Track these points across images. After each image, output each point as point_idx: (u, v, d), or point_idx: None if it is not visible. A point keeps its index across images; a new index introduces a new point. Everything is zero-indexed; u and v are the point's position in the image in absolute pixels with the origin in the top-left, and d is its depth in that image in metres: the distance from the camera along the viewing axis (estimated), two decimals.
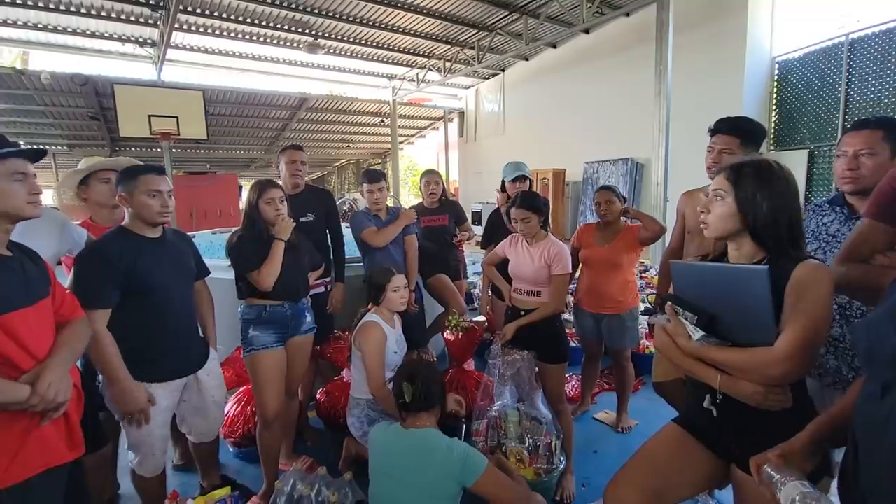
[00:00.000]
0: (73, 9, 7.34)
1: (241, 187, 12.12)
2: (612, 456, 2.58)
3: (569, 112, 10.25)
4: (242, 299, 2.13)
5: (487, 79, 12.59)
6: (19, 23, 7.74)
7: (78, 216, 2.20)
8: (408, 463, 1.62)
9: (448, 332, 2.88)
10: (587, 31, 9.17)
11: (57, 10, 7.30)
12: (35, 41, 8.71)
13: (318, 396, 2.77)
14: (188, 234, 2.28)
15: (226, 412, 2.53)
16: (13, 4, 7.01)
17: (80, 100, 9.97)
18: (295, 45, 9.33)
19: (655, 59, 6.32)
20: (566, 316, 3.43)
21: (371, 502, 1.69)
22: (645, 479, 1.34)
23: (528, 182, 3.06)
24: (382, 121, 14.06)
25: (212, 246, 4.58)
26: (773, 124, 7.42)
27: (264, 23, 8.36)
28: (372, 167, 17.46)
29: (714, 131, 1.95)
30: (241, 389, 2.68)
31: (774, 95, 7.41)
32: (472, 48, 9.92)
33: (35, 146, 11.39)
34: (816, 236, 1.59)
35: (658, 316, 1.38)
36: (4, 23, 7.68)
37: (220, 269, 2.60)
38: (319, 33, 8.98)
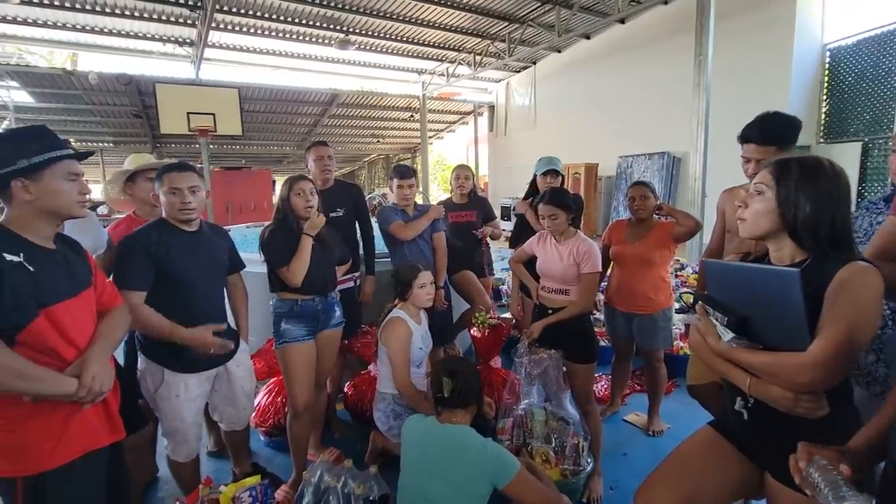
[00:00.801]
0: (118, 11, 7.67)
1: (274, 182, 12.44)
2: (642, 459, 2.51)
3: (602, 105, 9.99)
4: (275, 292, 2.18)
5: (518, 72, 12.41)
6: (68, 25, 8.15)
7: (125, 209, 2.31)
8: (441, 458, 1.63)
9: (475, 328, 2.87)
10: (622, 21, 8.89)
11: (103, 12, 7.65)
12: (83, 43, 9.16)
13: (345, 389, 2.82)
14: (224, 227, 2.35)
15: (257, 402, 2.61)
16: (63, 7, 7.38)
17: (125, 98, 10.43)
18: (326, 41, 9.45)
19: (695, 49, 6.05)
20: (597, 314, 3.35)
21: (401, 492, 1.70)
22: (678, 483, 1.30)
23: (559, 178, 2.99)
24: (412, 116, 14.10)
25: (246, 240, 4.71)
26: (823, 116, 7.00)
27: (297, 20, 8.50)
28: (402, 162, 17.58)
29: (745, 139, 1.83)
30: (272, 380, 2.75)
31: (825, 85, 6.98)
32: (503, 41, 9.79)
33: (83, 144, 12.03)
34: (869, 236, 1.48)
35: (692, 316, 1.33)
36: (55, 26, 8.10)
37: (253, 262, 2.66)
38: (350, 29, 9.06)
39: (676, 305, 3.81)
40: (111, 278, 1.66)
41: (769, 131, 1.77)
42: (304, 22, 8.58)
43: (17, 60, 10.85)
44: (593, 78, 10.18)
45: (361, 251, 2.90)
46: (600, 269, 2.24)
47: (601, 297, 3.12)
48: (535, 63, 11.76)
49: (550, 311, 2.28)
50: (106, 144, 12.96)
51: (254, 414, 2.56)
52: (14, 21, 7.84)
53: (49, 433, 1.21)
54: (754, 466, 1.25)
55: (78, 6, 7.40)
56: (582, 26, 8.96)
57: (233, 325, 2.11)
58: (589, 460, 2.16)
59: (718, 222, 2.16)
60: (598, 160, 9.67)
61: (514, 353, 2.32)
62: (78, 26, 8.20)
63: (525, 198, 3.25)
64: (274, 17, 8.32)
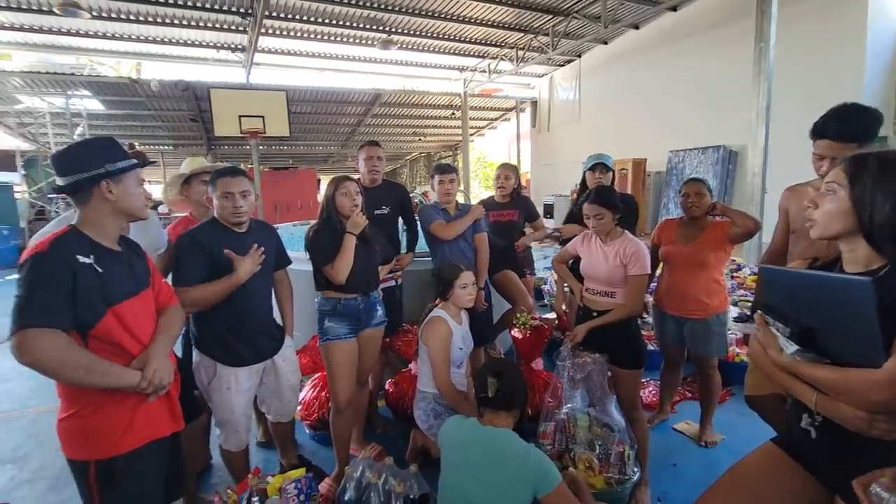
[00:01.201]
0: (177, 21, 8.14)
1: (319, 181, 12.82)
2: (693, 471, 2.38)
3: (652, 97, 9.58)
4: (320, 291, 2.24)
5: (562, 66, 12.12)
6: (133, 37, 8.73)
7: (182, 209, 2.44)
8: (482, 460, 1.61)
9: (516, 329, 2.83)
10: (674, 9, 8.48)
11: (164, 23, 8.14)
12: (146, 53, 9.79)
13: (386, 387, 2.85)
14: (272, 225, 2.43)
15: (302, 396, 2.69)
16: (128, 20, 7.90)
17: (182, 104, 11.07)
18: (369, 42, 9.60)
19: (755, 34, 5.67)
20: (646, 318, 3.21)
21: (441, 493, 1.69)
22: (737, 501, 1.22)
23: (609, 173, 2.84)
24: (453, 113, 14.10)
25: (293, 238, 4.87)
26: None
27: (341, 22, 8.68)
28: (443, 160, 17.63)
29: (818, 134, 1.67)
30: (317, 375, 2.83)
31: None
32: (546, 34, 9.58)
33: (147, 147, 12.87)
34: None
35: (750, 325, 1.24)
36: (122, 37, 8.69)
37: (299, 261, 2.75)
38: (393, 29, 9.16)
39: (733, 310, 3.59)
40: (170, 275, 1.76)
41: (848, 127, 1.60)
42: (347, 24, 8.75)
43: (89, 71, 11.74)
44: (642, 69, 9.78)
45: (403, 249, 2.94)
46: (649, 271, 2.14)
47: (649, 299, 2.98)
48: (579, 56, 11.44)
49: (595, 314, 2.21)
50: (166, 147, 13.82)
51: (299, 407, 2.65)
52: (86, 35, 8.48)
53: (119, 422, 1.30)
54: (823, 488, 1.15)
55: (142, 18, 7.91)
56: (630, 16, 8.62)
57: (278, 320, 2.19)
58: (635, 469, 2.08)
59: (781, 222, 2.01)
60: (646, 155, 9.30)
61: (556, 356, 2.26)
62: (142, 37, 8.77)
63: (577, 195, 3.11)
64: (319, 20, 8.54)
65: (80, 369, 1.18)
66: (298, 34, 9.09)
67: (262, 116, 9.07)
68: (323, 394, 2.71)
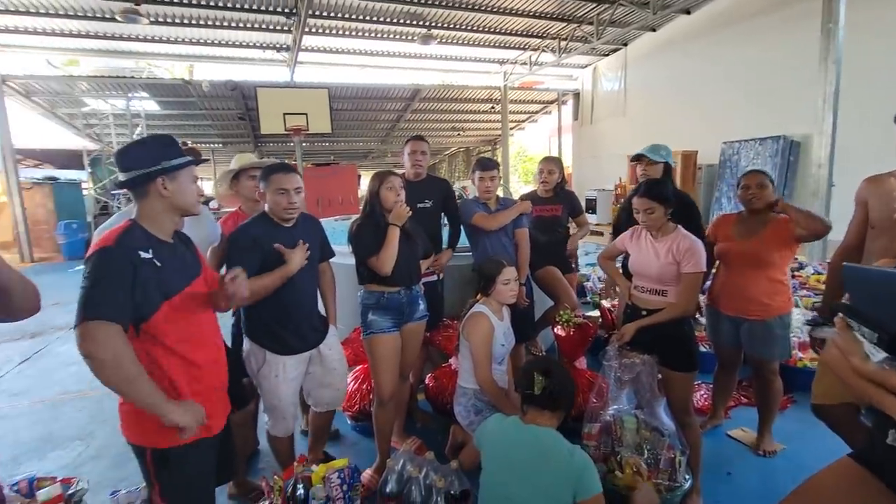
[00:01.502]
0: (226, 24, 8.47)
1: (359, 177, 13.05)
2: (750, 481, 2.24)
3: (704, 86, 9.09)
4: (363, 285, 2.26)
5: (607, 55, 11.71)
6: (187, 40, 9.16)
7: (232, 204, 2.53)
8: (525, 459, 1.59)
9: (559, 327, 2.75)
10: None
11: (215, 26, 8.49)
12: (198, 55, 10.25)
13: (426, 381, 2.85)
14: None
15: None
16: (182, 24, 8.30)
17: (231, 103, 11.54)
18: (409, 37, 9.63)
19: (822, 15, 5.25)
20: (700, 319, 3.03)
21: (482, 491, 1.67)
22: None
23: (658, 164, 2.58)
24: (493, 107, 13.96)
25: (335, 232, 4.95)
26: None
27: (382, 18, 8.75)
28: (482, 155, 17.52)
29: None
30: (358, 368, 2.86)
31: None
32: (591, 23, 9.28)
33: (198, 145, 13.51)
34: None
35: (827, 329, 1.13)
36: (176, 41, 9.14)
37: (342, 254, 2.79)
38: (433, 24, 9.14)
39: (797, 312, 3.35)
40: (224, 268, 1.83)
41: None
42: (388, 20, 8.81)
43: (147, 74, 12.44)
44: (694, 56, 9.28)
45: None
46: (704, 269, 2.02)
47: (701, 298, 2.82)
48: (626, 45, 11.01)
49: (644, 313, 2.11)
50: (216, 145, 14.48)
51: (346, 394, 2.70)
52: (145, 40, 8.98)
53: None
54: None
55: (194, 22, 8.28)
56: (681, 1, 8.20)
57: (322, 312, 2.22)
58: (687, 477, 1.97)
59: (857, 215, 1.84)
60: (697, 147, 8.84)
61: (602, 355, 2.18)
62: (194, 40, 9.19)
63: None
64: (361, 17, 8.64)
65: (125, 378, 1.21)
66: (340, 32, 9.24)
67: (306, 114, 9.33)
68: (364, 386, 2.74)
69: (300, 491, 1.83)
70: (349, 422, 2.80)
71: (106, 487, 2.18)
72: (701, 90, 9.15)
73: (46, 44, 9.04)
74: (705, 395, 2.91)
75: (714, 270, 2.51)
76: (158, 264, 1.31)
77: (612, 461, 2.03)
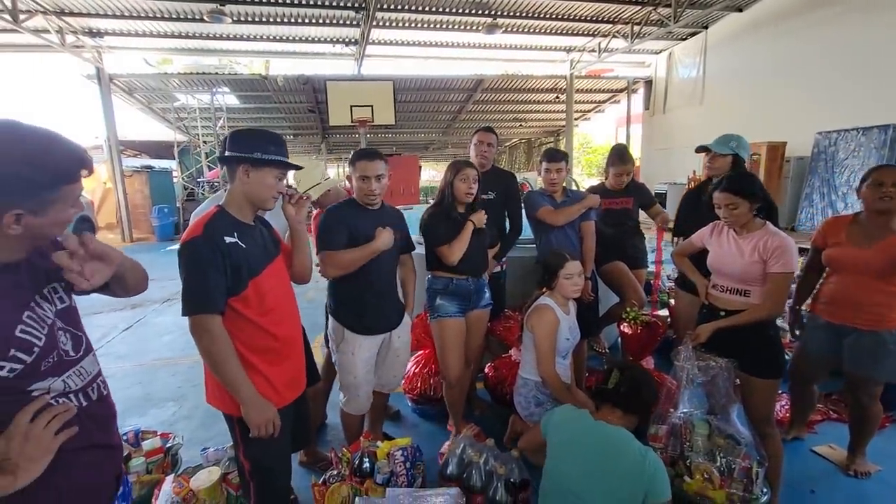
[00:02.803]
0: (300, 20, 8.86)
1: (420, 167, 13.24)
2: (836, 502, 2.07)
3: (795, 70, 8.24)
4: (430, 270, 2.35)
5: (684, 39, 10.93)
6: (264, 37, 9.70)
7: None
8: (592, 454, 1.56)
9: (625, 324, 2.66)
10: None
11: (289, 23, 8.91)
12: (274, 51, 10.83)
13: (486, 370, 2.88)
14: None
15: (406, 372, 2.82)
16: (261, 22, 8.79)
17: (302, 96, 12.11)
18: (474, 27, 9.56)
19: None
20: (780, 323, 2.80)
21: (546, 481, 1.67)
22: None
23: (727, 159, 2.38)
24: (557, 97, 13.56)
25: None
26: None
27: (448, 9, 8.75)
28: (546, 146, 17.12)
29: None
30: (420, 353, 2.95)
31: None
32: (668, 5, 8.69)
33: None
34: None
35: None
36: (255, 38, 9.71)
37: None
38: (498, 12, 9.00)
39: None
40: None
41: None
42: (454, 10, 8.80)
43: (229, 70, 13.36)
44: (785, 38, 8.44)
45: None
46: (795, 270, 1.86)
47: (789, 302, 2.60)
48: (706, 28, 10.22)
49: (722, 314, 1.99)
50: (288, 136, 15.28)
51: (403, 382, 2.80)
52: (227, 38, 9.63)
53: (261, 387, 1.47)
54: None
55: (271, 20, 8.75)
56: None
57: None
58: (765, 490, 1.85)
59: None
60: (785, 138, 8.09)
61: (674, 355, 2.08)
62: (270, 37, 9.71)
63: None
64: (427, 8, 8.70)
65: (222, 361, 1.37)
66: (407, 24, 9.37)
67: (371, 106, 9.58)
68: (425, 371, 2.82)
69: (366, 464, 1.93)
70: (409, 404, 2.90)
71: (196, 444, 2.43)
72: (792, 75, 8.30)
73: (144, 44, 9.96)
74: (785, 406, 2.69)
75: (822, 279, 2.28)
76: (243, 246, 1.42)
77: (681, 466, 1.95)
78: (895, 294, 2.01)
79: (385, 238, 1.97)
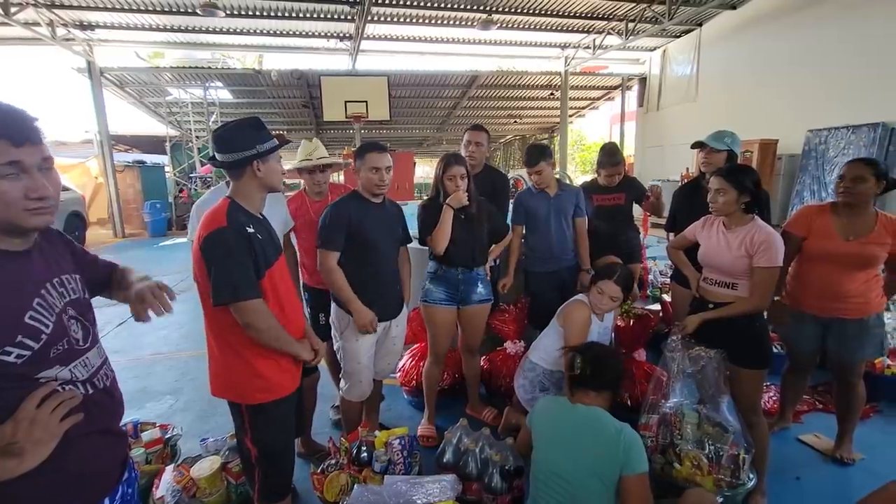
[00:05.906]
0: (294, 14, 8.81)
1: (414, 164, 13.24)
2: (820, 487, 2.14)
3: (788, 68, 8.33)
4: (430, 260, 2.44)
5: (678, 37, 11.00)
6: (258, 31, 9.63)
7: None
8: (571, 435, 1.62)
9: (619, 317, 2.71)
10: None
11: (283, 17, 8.86)
12: (268, 45, 10.76)
13: (481, 363, 2.91)
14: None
15: (401, 364, 2.86)
16: (254, 16, 8.73)
17: (296, 91, 12.05)
18: (469, 23, 9.56)
19: None
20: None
21: (534, 467, 1.71)
22: None
23: (722, 155, 2.44)
24: (552, 94, 13.61)
25: None
26: None
27: (443, 4, 8.74)
28: (538, 142, 17.13)
29: None
30: (416, 346, 2.98)
31: None
32: (662, 3, 8.74)
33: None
34: None
35: None
36: (249, 32, 9.64)
37: None
38: (493, 8, 9.01)
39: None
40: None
41: None
42: (449, 6, 8.79)
43: (222, 65, 13.25)
44: (778, 36, 8.51)
45: None
46: (780, 264, 1.90)
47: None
48: (700, 25, 10.29)
49: (711, 306, 2.04)
50: (282, 131, 15.20)
51: (399, 374, 2.83)
52: (220, 31, 9.55)
53: (275, 372, 1.52)
54: None
55: (265, 13, 8.70)
56: None
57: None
58: (751, 476, 1.91)
59: None
60: (777, 136, 8.18)
61: (664, 345, 2.13)
62: (264, 31, 9.65)
63: None
64: (422, 3, 8.68)
65: (276, 337, 1.46)
66: (402, 20, 9.34)
67: (366, 101, 9.57)
68: (421, 363, 2.85)
69: (364, 453, 1.97)
70: (405, 396, 2.93)
71: (194, 436, 2.45)
72: (785, 73, 8.40)
73: (135, 38, 9.85)
74: (774, 398, 2.76)
75: (790, 268, 2.32)
76: (260, 237, 1.46)
77: (671, 453, 2.00)
78: (875, 280, 2.12)
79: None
